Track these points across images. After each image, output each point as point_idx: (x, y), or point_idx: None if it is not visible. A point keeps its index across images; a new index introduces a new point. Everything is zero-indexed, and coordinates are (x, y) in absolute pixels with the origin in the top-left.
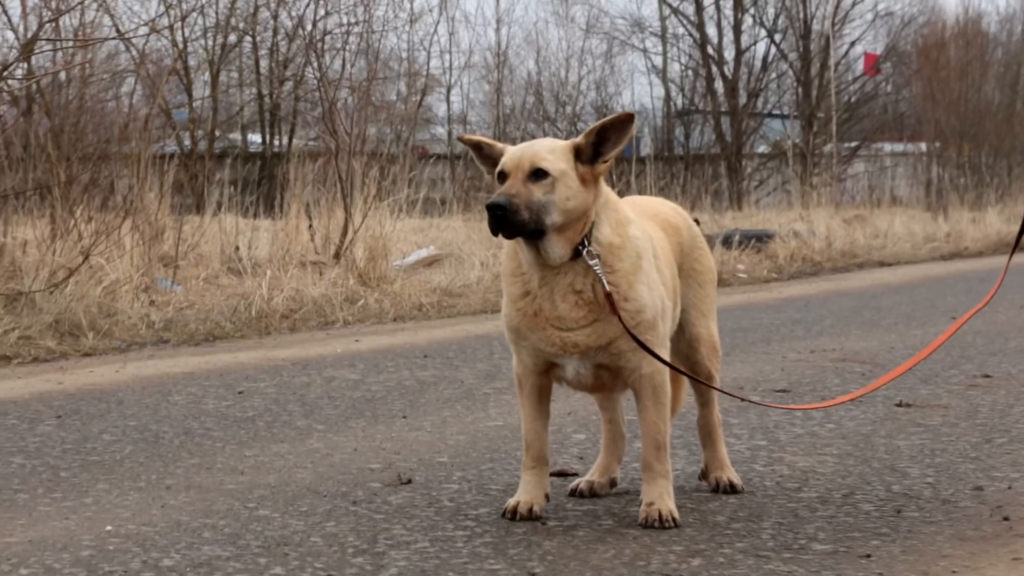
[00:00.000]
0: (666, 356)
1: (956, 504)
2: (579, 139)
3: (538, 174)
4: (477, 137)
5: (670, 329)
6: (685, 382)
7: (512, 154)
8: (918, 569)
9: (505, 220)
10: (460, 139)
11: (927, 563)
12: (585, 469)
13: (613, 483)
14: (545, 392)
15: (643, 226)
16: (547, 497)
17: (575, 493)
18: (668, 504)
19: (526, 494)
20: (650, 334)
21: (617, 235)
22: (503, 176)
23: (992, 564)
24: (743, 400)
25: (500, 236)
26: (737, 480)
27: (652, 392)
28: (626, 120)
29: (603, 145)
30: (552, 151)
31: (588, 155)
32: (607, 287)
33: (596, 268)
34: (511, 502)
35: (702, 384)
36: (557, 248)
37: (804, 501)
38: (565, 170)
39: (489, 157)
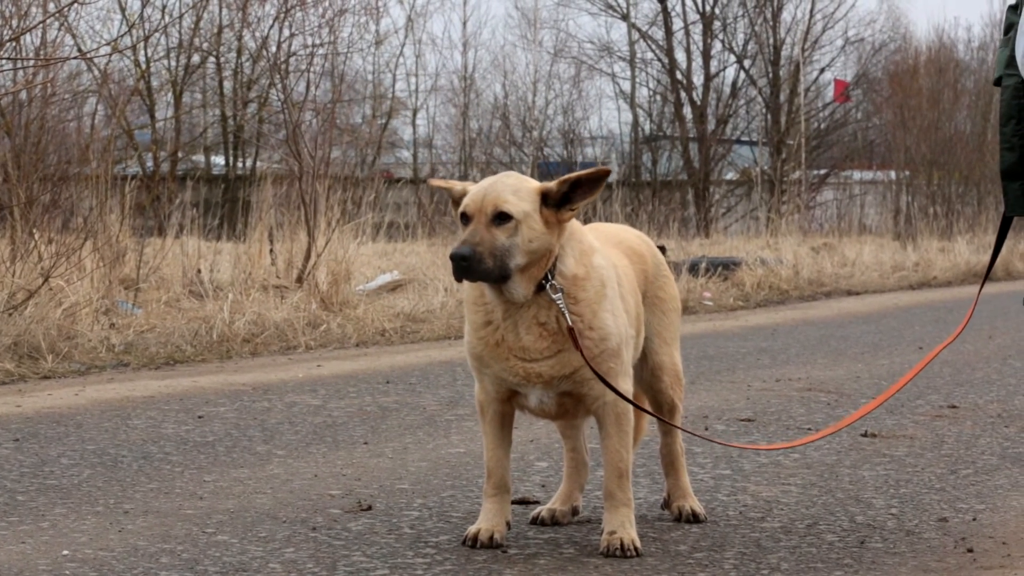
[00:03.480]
0: (629, 383)
1: (920, 535)
2: (551, 185)
3: (501, 217)
4: (441, 182)
5: (633, 357)
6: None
7: (474, 195)
8: None
9: (469, 270)
10: (429, 183)
11: None
12: (547, 497)
13: (575, 511)
14: (507, 419)
15: (608, 254)
16: (508, 525)
17: (536, 521)
18: (630, 533)
19: (487, 522)
20: (613, 362)
21: (581, 265)
22: (465, 218)
23: None
24: (708, 440)
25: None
26: (700, 509)
27: (615, 420)
28: (602, 176)
29: (573, 193)
30: (516, 192)
31: (556, 201)
32: (570, 322)
33: (559, 303)
34: (472, 530)
35: (663, 421)
36: (520, 288)
37: (767, 531)
38: (528, 212)
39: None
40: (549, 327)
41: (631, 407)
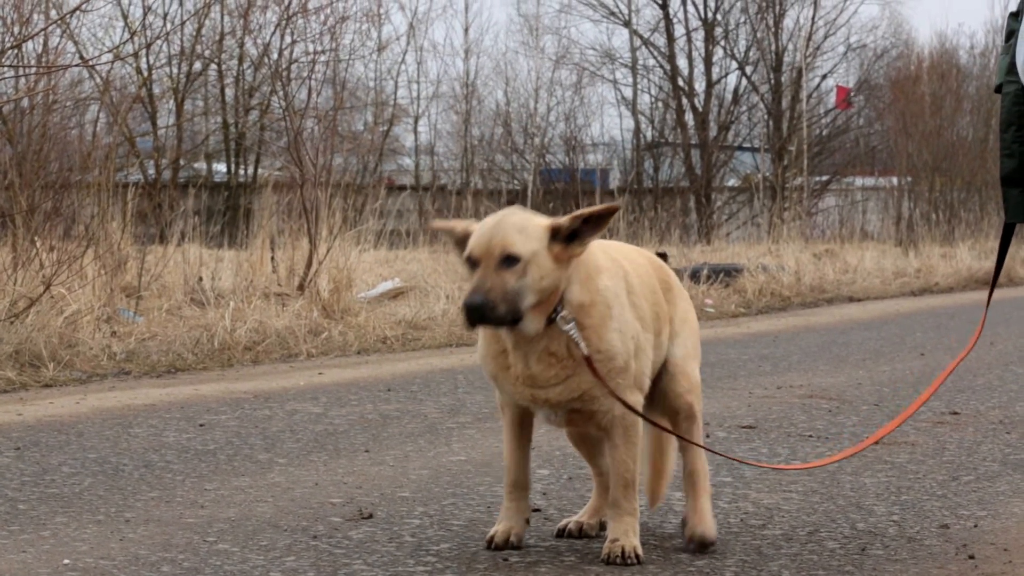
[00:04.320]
0: (639, 396)
1: (921, 542)
2: (562, 221)
3: (509, 260)
4: (442, 224)
5: (655, 361)
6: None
7: (480, 238)
8: None
9: (483, 319)
10: (432, 227)
11: None
12: (548, 505)
13: (602, 526)
14: (527, 419)
15: (616, 268)
16: (527, 522)
17: (563, 533)
18: (632, 541)
19: (504, 522)
20: (621, 377)
21: (587, 292)
22: (471, 261)
23: None
24: (730, 458)
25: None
26: (712, 535)
27: (623, 432)
28: (611, 212)
29: (583, 228)
30: (523, 231)
31: (565, 236)
32: (585, 351)
33: (572, 333)
34: (490, 532)
35: (679, 437)
36: (532, 325)
37: (768, 538)
38: (537, 250)
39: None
40: (559, 355)
41: (639, 420)
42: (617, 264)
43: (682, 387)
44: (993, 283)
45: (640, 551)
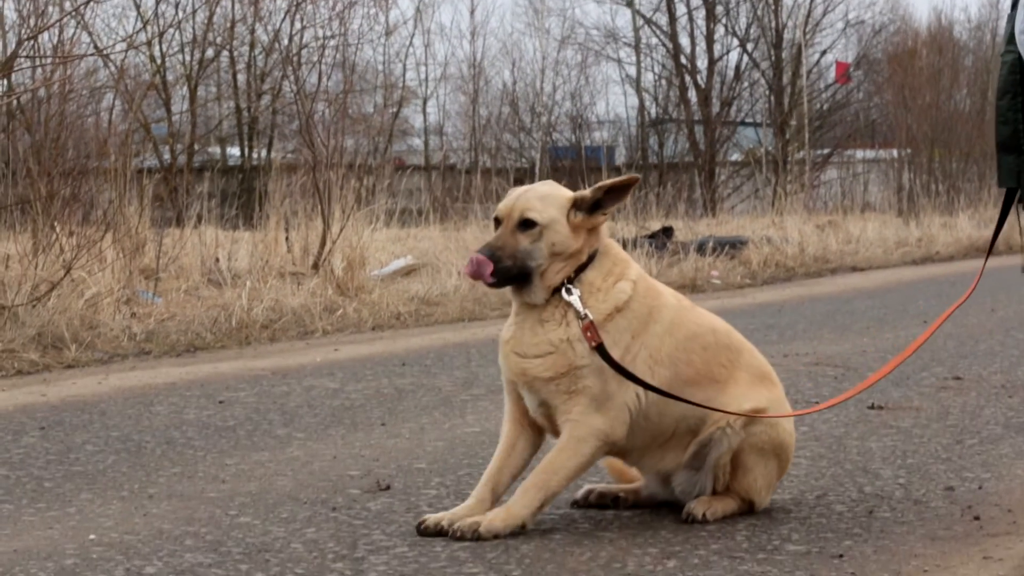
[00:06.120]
0: (600, 420)
1: (927, 504)
2: (586, 192)
3: (526, 224)
4: None
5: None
6: None
7: (506, 201)
8: (890, 568)
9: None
10: None
11: (899, 563)
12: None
13: (616, 501)
14: (523, 429)
15: (657, 301)
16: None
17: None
18: (490, 526)
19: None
20: (591, 381)
21: (604, 281)
22: (497, 221)
23: (963, 563)
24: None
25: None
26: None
27: (572, 439)
28: (631, 183)
29: (605, 198)
30: (544, 199)
31: (589, 206)
32: (589, 317)
33: (573, 300)
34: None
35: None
36: (539, 292)
37: (778, 503)
38: (555, 217)
39: None
40: (550, 324)
41: (592, 437)
42: (664, 295)
43: None
44: (992, 244)
45: (474, 532)
